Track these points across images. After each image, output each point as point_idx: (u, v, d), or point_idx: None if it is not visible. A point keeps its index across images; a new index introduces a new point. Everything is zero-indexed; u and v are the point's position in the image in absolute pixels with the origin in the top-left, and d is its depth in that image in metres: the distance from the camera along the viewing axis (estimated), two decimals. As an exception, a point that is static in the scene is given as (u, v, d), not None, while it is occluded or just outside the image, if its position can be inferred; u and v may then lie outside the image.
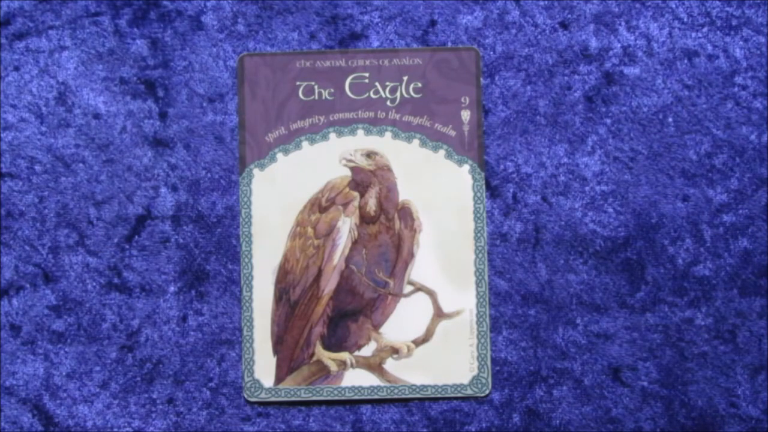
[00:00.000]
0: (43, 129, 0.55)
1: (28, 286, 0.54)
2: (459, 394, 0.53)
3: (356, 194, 0.54)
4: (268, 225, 0.54)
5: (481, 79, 0.55)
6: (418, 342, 0.53)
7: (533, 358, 0.53)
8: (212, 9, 0.55)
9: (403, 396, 0.53)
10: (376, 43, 0.55)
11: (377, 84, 0.55)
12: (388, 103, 0.54)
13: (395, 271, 0.54)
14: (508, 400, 0.53)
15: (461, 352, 0.53)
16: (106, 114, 0.55)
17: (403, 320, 0.53)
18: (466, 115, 0.54)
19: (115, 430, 0.53)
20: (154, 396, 0.53)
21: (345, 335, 0.54)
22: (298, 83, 0.55)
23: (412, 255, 0.54)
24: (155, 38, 0.55)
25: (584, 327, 0.53)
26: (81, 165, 0.54)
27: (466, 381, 0.53)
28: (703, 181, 0.54)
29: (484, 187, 0.54)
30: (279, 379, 0.53)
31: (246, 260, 0.53)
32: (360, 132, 0.54)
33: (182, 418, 0.53)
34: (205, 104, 0.55)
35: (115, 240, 0.54)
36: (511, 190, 0.54)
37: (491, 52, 0.55)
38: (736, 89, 0.54)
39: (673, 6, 0.55)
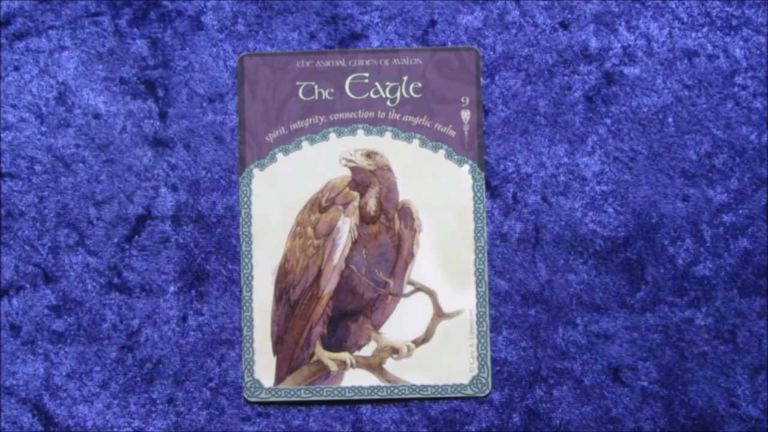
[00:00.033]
0: (43, 129, 0.55)
1: (28, 286, 0.54)
2: (459, 394, 0.53)
3: (356, 194, 0.54)
4: (268, 225, 0.54)
5: (481, 79, 0.55)
6: (418, 342, 0.53)
7: (533, 358, 0.53)
8: (212, 9, 0.55)
9: (403, 396, 0.53)
10: (376, 43, 0.55)
11: (377, 84, 0.55)
12: (388, 103, 0.54)
13: (395, 271, 0.54)
14: (508, 400, 0.53)
15: (461, 352, 0.53)
16: (106, 114, 0.55)
17: (403, 320, 0.53)
18: (466, 115, 0.54)
19: (115, 430, 0.53)
20: (154, 396, 0.53)
21: (345, 335, 0.54)
22: (298, 83, 0.55)
23: (412, 255, 0.54)
24: (155, 38, 0.55)
25: (584, 327, 0.53)
26: (81, 165, 0.54)
27: (466, 381, 0.53)
28: (703, 181, 0.54)
29: (484, 187, 0.54)
30: (279, 379, 0.53)
31: (246, 260, 0.53)
32: (360, 132, 0.54)
33: (182, 418, 0.53)
34: (205, 104, 0.55)
35: (115, 240, 0.54)
36: (511, 190, 0.54)
37: (491, 52, 0.55)
38: (736, 89, 0.54)
39: (673, 6, 0.55)
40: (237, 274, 0.54)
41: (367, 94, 0.55)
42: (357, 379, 0.53)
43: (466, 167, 0.54)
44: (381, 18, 0.55)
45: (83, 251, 0.54)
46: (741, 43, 0.55)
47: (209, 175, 0.55)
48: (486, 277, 0.53)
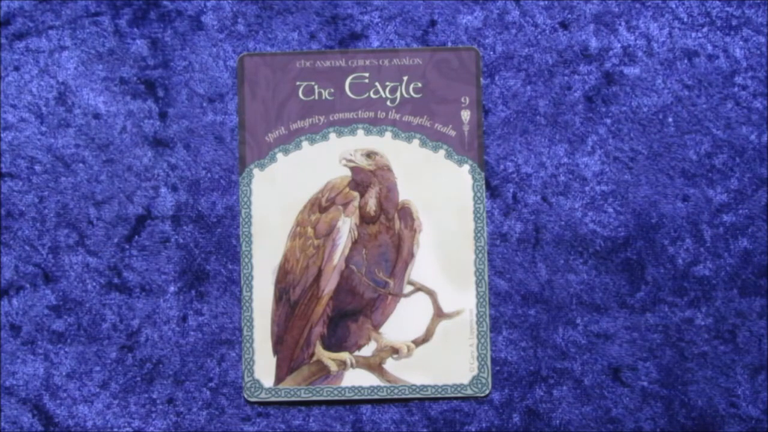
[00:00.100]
0: (43, 129, 0.55)
1: (28, 286, 0.54)
2: (459, 394, 0.53)
3: (356, 194, 0.54)
4: (268, 225, 0.54)
5: (481, 79, 0.55)
6: (418, 342, 0.53)
7: (533, 358, 0.53)
8: (212, 9, 0.55)
9: (403, 396, 0.53)
10: (376, 43, 0.55)
11: (377, 84, 0.55)
12: (388, 103, 0.54)
13: (395, 271, 0.54)
14: (508, 400, 0.53)
15: (461, 352, 0.53)
16: (106, 114, 0.55)
17: (403, 320, 0.53)
18: (466, 115, 0.54)
19: (115, 430, 0.53)
20: (154, 396, 0.53)
21: (345, 335, 0.54)
22: (298, 83, 0.55)
23: (412, 255, 0.54)
24: (155, 38, 0.55)
25: (584, 327, 0.53)
26: (81, 165, 0.54)
27: (466, 381, 0.53)
28: (703, 181, 0.54)
29: (484, 187, 0.54)
30: (279, 379, 0.53)
31: (246, 260, 0.53)
32: (360, 132, 0.54)
33: (182, 418, 0.53)
34: (205, 104, 0.55)
35: (115, 240, 0.54)
36: (511, 190, 0.54)
37: (491, 52, 0.55)
38: (736, 89, 0.54)
39: (673, 6, 0.55)
40: (237, 274, 0.54)
41: (367, 94, 0.55)
42: (357, 379, 0.53)
43: (466, 167, 0.54)
44: (381, 18, 0.55)
45: (83, 251, 0.54)
46: (741, 43, 0.55)
47: (209, 175, 0.55)
48: (486, 277, 0.53)
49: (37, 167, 0.54)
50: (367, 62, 0.55)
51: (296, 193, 0.54)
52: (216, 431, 0.53)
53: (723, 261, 0.54)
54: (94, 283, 0.54)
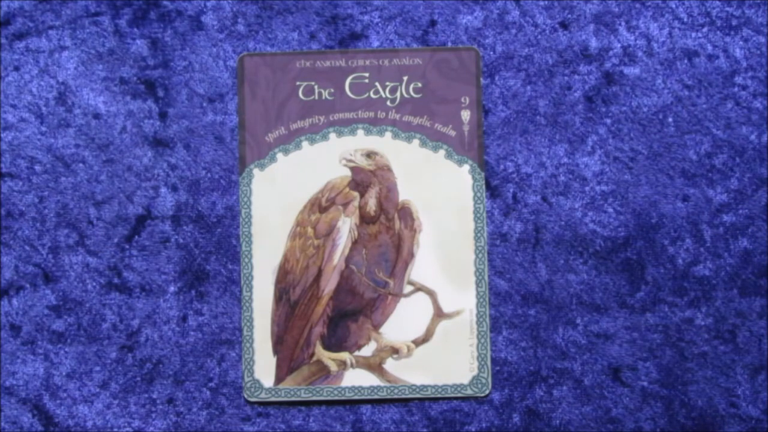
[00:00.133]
0: (43, 129, 0.55)
1: (28, 286, 0.54)
2: (459, 394, 0.53)
3: (356, 194, 0.54)
4: (268, 225, 0.54)
5: (481, 79, 0.55)
6: (418, 342, 0.53)
7: (533, 358, 0.53)
8: (212, 9, 0.55)
9: (403, 396, 0.53)
10: (376, 43, 0.55)
11: (377, 84, 0.55)
12: (388, 103, 0.54)
13: (395, 271, 0.54)
14: (508, 400, 0.53)
15: (461, 352, 0.53)
16: (106, 114, 0.55)
17: (403, 320, 0.53)
18: (466, 115, 0.54)
19: (115, 430, 0.53)
20: (154, 396, 0.53)
21: (345, 335, 0.54)
22: (298, 83, 0.55)
23: (412, 255, 0.54)
24: (155, 38, 0.55)
25: (584, 327, 0.53)
26: (81, 165, 0.54)
27: (466, 381, 0.53)
28: (703, 181, 0.54)
29: (484, 187, 0.54)
30: (279, 379, 0.53)
31: (246, 260, 0.53)
32: (360, 132, 0.54)
33: (182, 418, 0.53)
34: (205, 104, 0.55)
35: (115, 240, 0.54)
36: (511, 190, 0.54)
37: (491, 52, 0.55)
38: (736, 89, 0.54)
39: (673, 6, 0.55)
40: (237, 274, 0.54)
41: (367, 94, 0.55)
42: (357, 379, 0.53)
43: (466, 167, 0.54)
44: (381, 18, 0.55)
45: (83, 251, 0.54)
46: (741, 43, 0.55)
47: (209, 175, 0.55)
48: (486, 277, 0.53)
49: (37, 167, 0.54)
50: (367, 62, 0.55)
51: (296, 193, 0.54)
52: (216, 431, 0.53)
53: (723, 261, 0.54)
54: (94, 283, 0.54)
